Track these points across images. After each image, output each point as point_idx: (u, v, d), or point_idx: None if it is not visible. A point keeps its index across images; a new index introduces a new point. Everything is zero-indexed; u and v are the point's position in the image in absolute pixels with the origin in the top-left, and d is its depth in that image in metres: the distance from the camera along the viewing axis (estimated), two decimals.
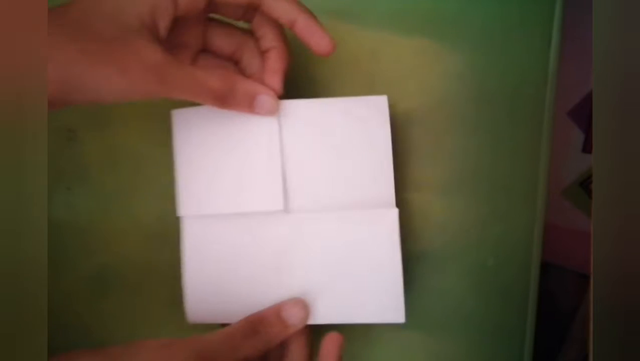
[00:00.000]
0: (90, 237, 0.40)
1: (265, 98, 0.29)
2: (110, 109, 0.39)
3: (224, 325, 0.29)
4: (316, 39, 0.28)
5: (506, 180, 0.32)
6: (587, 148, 0.45)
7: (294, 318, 0.30)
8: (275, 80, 0.30)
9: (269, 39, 0.30)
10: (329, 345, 0.28)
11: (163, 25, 0.26)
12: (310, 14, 0.28)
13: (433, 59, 0.33)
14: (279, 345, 0.30)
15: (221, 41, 0.31)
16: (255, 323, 0.29)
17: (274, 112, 0.30)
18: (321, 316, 0.32)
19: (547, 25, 0.31)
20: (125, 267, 0.40)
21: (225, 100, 0.28)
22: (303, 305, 0.31)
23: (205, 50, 0.31)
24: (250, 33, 0.31)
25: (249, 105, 0.29)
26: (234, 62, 0.32)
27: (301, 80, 0.35)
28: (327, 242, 0.32)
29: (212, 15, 0.30)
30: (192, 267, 0.33)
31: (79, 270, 0.41)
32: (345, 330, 0.36)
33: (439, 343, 0.34)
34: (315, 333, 0.37)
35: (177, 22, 0.27)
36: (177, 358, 0.25)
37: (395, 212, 0.31)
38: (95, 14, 0.24)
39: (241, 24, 0.30)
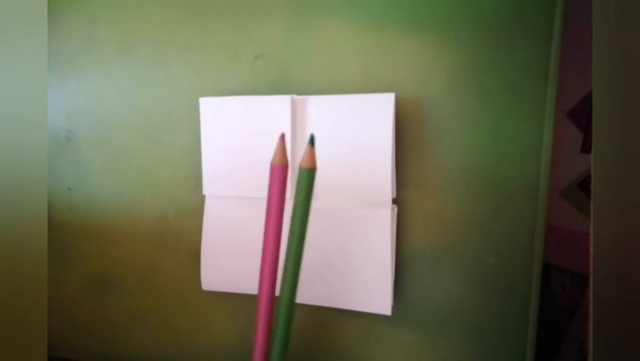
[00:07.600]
0: (91, 237, 0.40)
1: None
2: (110, 111, 0.39)
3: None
4: None
5: (506, 179, 0.32)
6: (585, 148, 0.45)
7: None
8: None
9: None
10: None
11: None
12: None
13: (432, 56, 0.33)
14: None
15: None
16: None
17: None
18: (314, 298, 0.35)
19: (547, 24, 0.31)
20: (126, 268, 0.40)
21: None
22: None
23: None
24: None
25: None
26: None
27: (298, 79, 0.35)
28: (326, 232, 0.34)
29: None
30: (208, 239, 0.37)
31: (79, 270, 0.41)
32: (345, 329, 0.36)
33: (438, 343, 0.34)
34: (314, 326, 0.37)
35: None
36: None
37: (388, 210, 0.32)
38: None
39: None
